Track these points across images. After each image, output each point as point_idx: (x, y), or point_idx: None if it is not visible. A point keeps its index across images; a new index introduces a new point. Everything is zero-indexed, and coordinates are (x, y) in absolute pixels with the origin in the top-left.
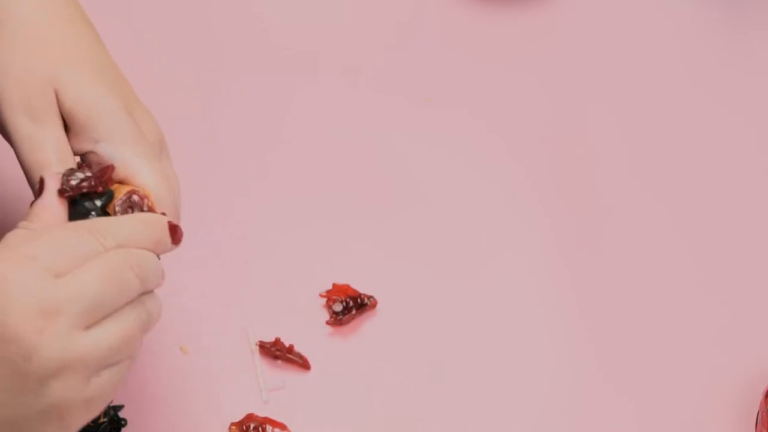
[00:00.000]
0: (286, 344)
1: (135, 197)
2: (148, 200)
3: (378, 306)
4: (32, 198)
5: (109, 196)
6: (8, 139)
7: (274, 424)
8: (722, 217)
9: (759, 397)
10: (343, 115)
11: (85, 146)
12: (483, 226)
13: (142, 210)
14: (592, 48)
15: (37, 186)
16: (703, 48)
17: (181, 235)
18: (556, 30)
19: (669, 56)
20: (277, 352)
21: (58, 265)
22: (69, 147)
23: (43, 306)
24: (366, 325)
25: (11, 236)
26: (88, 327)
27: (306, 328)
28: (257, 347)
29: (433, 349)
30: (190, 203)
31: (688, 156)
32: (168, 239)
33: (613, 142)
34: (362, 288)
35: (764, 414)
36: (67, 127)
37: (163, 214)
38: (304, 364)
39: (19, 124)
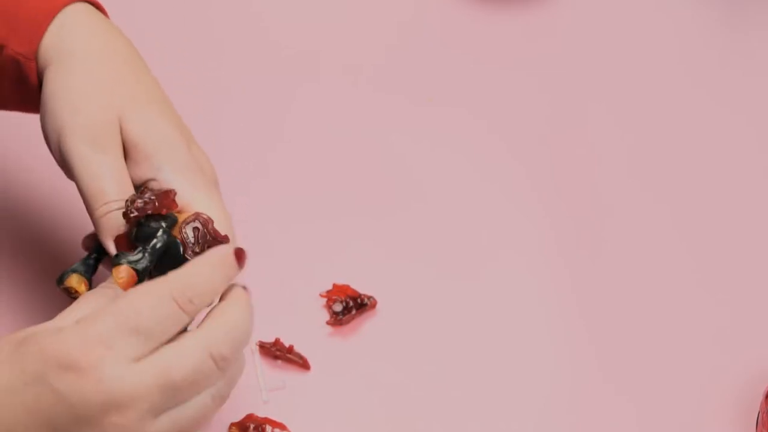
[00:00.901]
0: (286, 344)
1: (201, 218)
2: (212, 223)
3: (378, 306)
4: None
5: (173, 220)
6: (68, 168)
7: (274, 424)
8: (722, 217)
9: (759, 397)
10: (343, 115)
11: (146, 174)
12: (483, 226)
13: (207, 232)
14: (592, 48)
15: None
16: (703, 48)
17: (246, 258)
18: (556, 30)
19: (669, 56)
20: (277, 352)
21: (138, 350)
22: (128, 177)
23: (118, 401)
24: (366, 325)
25: (91, 299)
26: (159, 414)
27: (306, 328)
28: (257, 347)
29: (433, 349)
30: None
31: (688, 156)
32: (236, 269)
33: (613, 141)
34: (362, 288)
35: (764, 414)
36: (127, 156)
37: (226, 236)
38: (304, 364)
39: (82, 153)
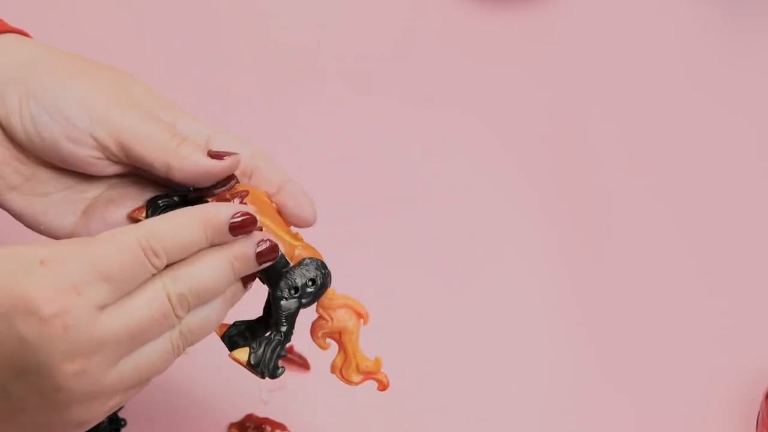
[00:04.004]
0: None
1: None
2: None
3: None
4: None
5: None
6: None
7: (274, 424)
8: (722, 217)
9: (759, 397)
10: (343, 115)
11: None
12: (483, 227)
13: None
14: (592, 48)
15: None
16: (703, 48)
17: (249, 227)
18: (556, 30)
19: (669, 56)
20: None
21: (103, 299)
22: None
23: (85, 348)
24: (366, 325)
25: (55, 247)
26: (119, 360)
27: (306, 328)
28: None
29: (433, 349)
30: None
31: (687, 156)
32: (223, 234)
33: (614, 142)
34: (362, 288)
35: (764, 414)
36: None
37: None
38: (304, 364)
39: (130, 116)
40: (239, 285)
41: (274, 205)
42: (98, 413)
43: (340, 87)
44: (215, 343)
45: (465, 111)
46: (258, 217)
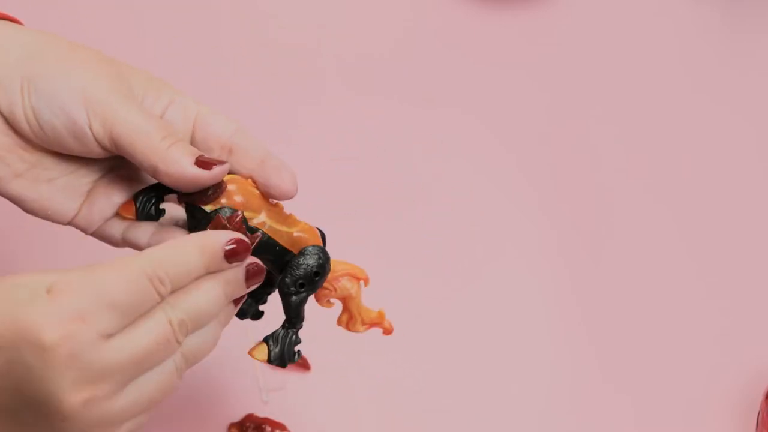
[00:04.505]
0: None
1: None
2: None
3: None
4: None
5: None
6: (104, 135)
7: (274, 424)
8: (722, 217)
9: (759, 397)
10: (343, 115)
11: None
12: (483, 227)
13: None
14: (592, 48)
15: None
16: (703, 48)
17: (241, 256)
18: (556, 30)
19: (669, 56)
20: None
21: (110, 327)
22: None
23: (90, 375)
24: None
25: (59, 275)
26: (125, 387)
27: (306, 328)
28: None
29: (433, 349)
30: None
31: (687, 156)
32: (219, 261)
33: (614, 142)
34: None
35: (764, 414)
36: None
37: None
38: (304, 364)
39: (121, 106)
40: (231, 306)
41: (257, 191)
42: None
43: (340, 87)
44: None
45: (465, 111)
46: (250, 214)
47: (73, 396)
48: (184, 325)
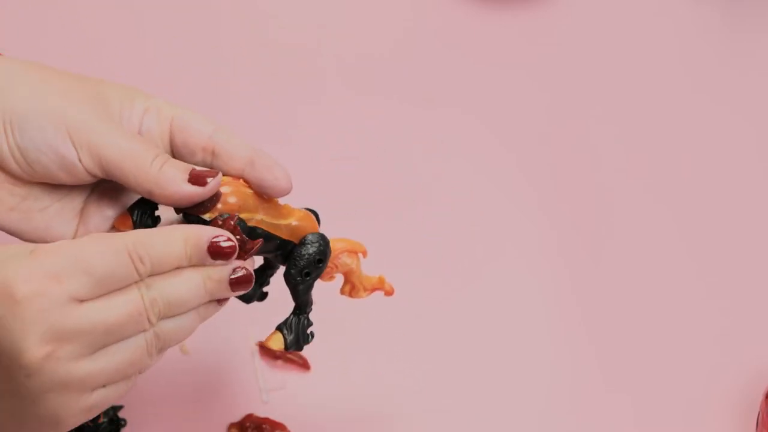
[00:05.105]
0: None
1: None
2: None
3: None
4: None
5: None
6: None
7: (274, 424)
8: (722, 217)
9: (759, 397)
10: (343, 115)
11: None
12: (483, 227)
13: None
14: (592, 48)
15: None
16: (703, 48)
17: (227, 256)
18: (556, 30)
19: (669, 56)
20: (277, 352)
21: (83, 292)
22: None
23: (57, 333)
24: (366, 325)
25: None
26: (93, 352)
27: None
28: (257, 347)
29: (433, 349)
30: None
31: (687, 156)
32: (201, 255)
33: (614, 142)
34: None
35: (764, 414)
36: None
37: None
38: (304, 364)
39: (106, 130)
40: (214, 304)
41: (251, 191)
42: (74, 410)
43: (340, 87)
44: (215, 344)
45: (465, 111)
46: (247, 215)
47: (36, 349)
48: (156, 305)
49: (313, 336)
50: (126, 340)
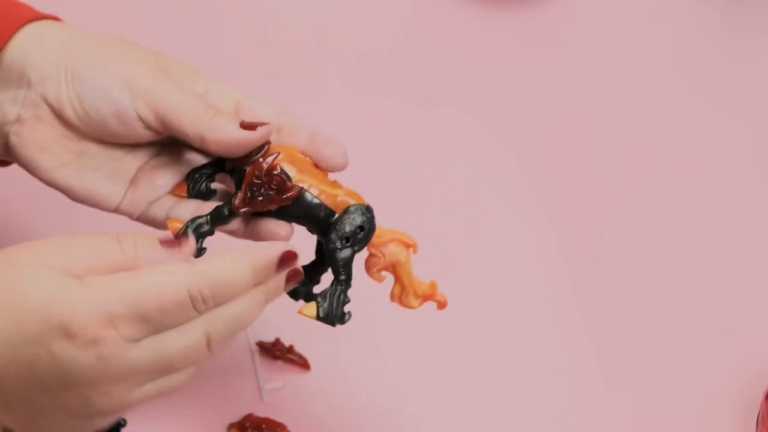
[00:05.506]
0: (286, 344)
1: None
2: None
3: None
4: None
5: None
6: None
7: (274, 424)
8: (722, 217)
9: (759, 397)
10: (343, 115)
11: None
12: (483, 227)
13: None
14: (592, 48)
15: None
16: (703, 48)
17: (292, 267)
18: (556, 30)
19: (669, 56)
20: (277, 352)
21: (137, 335)
22: None
23: (113, 377)
24: (366, 325)
25: (105, 245)
26: (145, 384)
27: (306, 328)
28: (257, 347)
29: (433, 350)
30: None
31: (687, 156)
32: (269, 275)
33: (614, 142)
34: (361, 288)
35: (764, 414)
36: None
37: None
38: (304, 364)
39: (164, 85)
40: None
41: (307, 159)
42: (113, 419)
43: (340, 87)
44: None
45: (465, 111)
46: (297, 175)
47: (93, 391)
48: (218, 333)
49: (350, 316)
50: (179, 372)
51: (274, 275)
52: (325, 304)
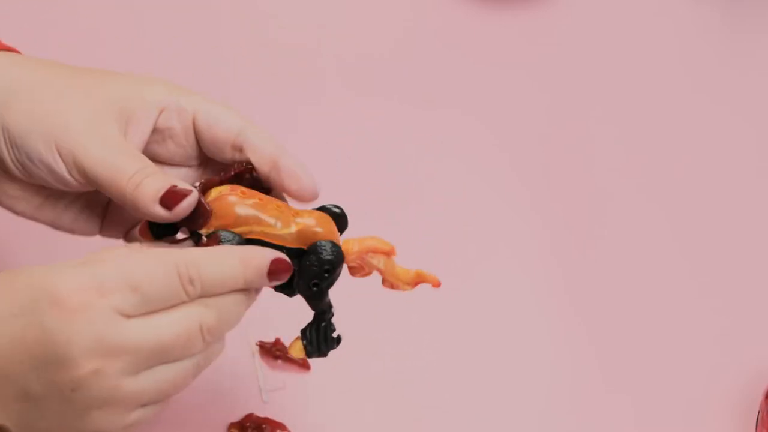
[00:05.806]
0: (286, 344)
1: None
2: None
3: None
4: None
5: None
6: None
7: (274, 424)
8: (720, 217)
9: (759, 397)
10: (343, 115)
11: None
12: (480, 227)
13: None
14: (591, 48)
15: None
16: (703, 48)
17: (283, 274)
18: (556, 30)
19: (669, 56)
20: (277, 352)
21: (126, 307)
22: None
23: (105, 348)
24: (365, 326)
25: (105, 251)
26: (139, 372)
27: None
28: (257, 348)
29: (432, 350)
30: None
31: (686, 156)
32: (260, 277)
33: (614, 142)
34: (359, 288)
35: (764, 414)
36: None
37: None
38: (304, 364)
39: (93, 139)
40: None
41: (256, 197)
42: (114, 427)
43: (340, 87)
44: None
45: (465, 111)
46: (243, 229)
47: (84, 362)
48: (217, 331)
49: (339, 340)
50: (173, 363)
51: (266, 283)
52: (311, 342)
